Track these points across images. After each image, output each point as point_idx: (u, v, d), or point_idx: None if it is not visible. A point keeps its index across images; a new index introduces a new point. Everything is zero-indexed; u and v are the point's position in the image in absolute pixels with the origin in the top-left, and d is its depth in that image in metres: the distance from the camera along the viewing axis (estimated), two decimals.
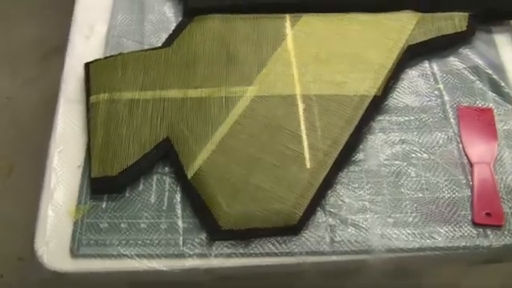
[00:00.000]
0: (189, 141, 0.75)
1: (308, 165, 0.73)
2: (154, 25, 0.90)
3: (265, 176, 0.72)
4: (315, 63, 0.82)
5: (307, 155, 0.74)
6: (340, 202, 0.73)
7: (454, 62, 0.86)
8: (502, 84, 0.82)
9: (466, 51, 0.87)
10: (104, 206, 0.73)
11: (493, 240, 0.70)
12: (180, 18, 0.90)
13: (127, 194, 0.74)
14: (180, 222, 0.71)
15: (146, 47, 0.87)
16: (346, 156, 0.75)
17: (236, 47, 0.84)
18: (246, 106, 0.78)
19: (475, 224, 0.71)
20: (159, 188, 0.74)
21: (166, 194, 0.74)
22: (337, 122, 0.76)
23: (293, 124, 0.76)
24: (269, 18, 0.87)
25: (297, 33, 0.85)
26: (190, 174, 0.73)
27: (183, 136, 0.75)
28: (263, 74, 0.81)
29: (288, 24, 0.86)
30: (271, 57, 0.83)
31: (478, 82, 0.83)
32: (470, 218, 0.71)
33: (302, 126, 0.76)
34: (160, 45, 0.86)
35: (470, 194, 0.73)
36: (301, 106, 0.78)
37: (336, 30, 0.86)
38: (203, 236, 0.70)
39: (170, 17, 0.91)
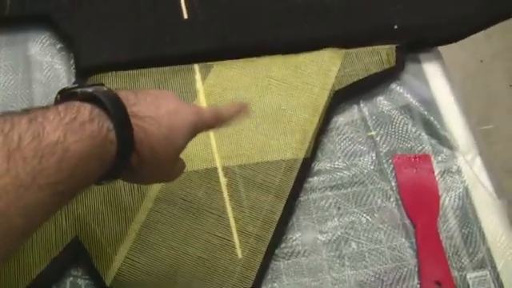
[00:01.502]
0: (101, 239, 0.65)
1: (239, 254, 0.65)
2: (43, 86, 0.78)
3: (192, 273, 0.64)
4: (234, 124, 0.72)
5: (237, 242, 0.66)
6: None
7: (383, 101, 0.78)
8: (438, 126, 0.75)
9: (395, 87, 0.79)
10: None
11: None
12: (73, 74, 0.78)
13: None
14: None
15: None
16: (279, 237, 0.68)
17: None
18: (160, 189, 0.68)
19: None
20: None
21: None
22: (265, 198, 0.68)
23: (217, 205, 0.68)
24: (175, 70, 0.76)
25: (209, 88, 0.75)
26: (108, 281, 0.64)
27: (94, 233, 0.66)
28: None
29: (198, 77, 0.76)
30: None
31: (411, 124, 0.76)
32: None
33: (228, 207, 0.68)
34: None
35: (416, 260, 0.68)
36: (223, 182, 0.69)
37: (252, 79, 0.76)
38: None
39: (60, 74, 0.78)
